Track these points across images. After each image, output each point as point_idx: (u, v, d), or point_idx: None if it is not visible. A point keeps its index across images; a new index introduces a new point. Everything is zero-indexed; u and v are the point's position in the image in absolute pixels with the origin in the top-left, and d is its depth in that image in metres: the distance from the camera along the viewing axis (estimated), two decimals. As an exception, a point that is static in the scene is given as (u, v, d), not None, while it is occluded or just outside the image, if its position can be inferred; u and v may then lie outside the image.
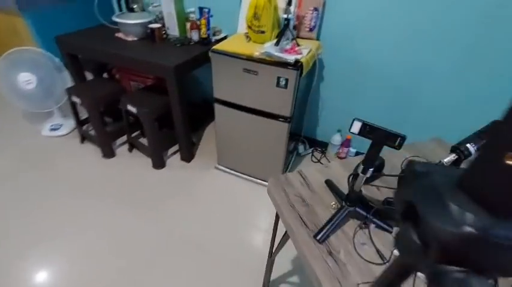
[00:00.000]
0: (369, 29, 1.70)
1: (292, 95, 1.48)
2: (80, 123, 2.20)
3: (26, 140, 2.31)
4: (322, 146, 2.34)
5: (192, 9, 1.94)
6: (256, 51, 1.47)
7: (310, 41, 1.69)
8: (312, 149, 2.35)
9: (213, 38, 2.01)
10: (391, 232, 0.76)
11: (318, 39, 1.77)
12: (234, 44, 1.60)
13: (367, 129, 0.65)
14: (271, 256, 1.23)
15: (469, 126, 0.90)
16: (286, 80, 1.43)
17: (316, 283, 0.67)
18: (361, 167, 0.70)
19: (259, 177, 2.00)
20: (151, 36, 1.93)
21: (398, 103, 1.91)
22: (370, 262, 0.70)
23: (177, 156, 2.21)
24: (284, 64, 1.40)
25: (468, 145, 0.80)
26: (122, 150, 2.25)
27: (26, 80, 2.04)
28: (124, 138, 2.28)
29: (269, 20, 1.53)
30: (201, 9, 1.91)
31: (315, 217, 0.80)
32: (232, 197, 1.93)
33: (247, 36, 1.68)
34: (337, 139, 2.18)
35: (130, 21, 1.90)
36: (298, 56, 1.41)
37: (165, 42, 1.97)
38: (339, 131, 2.17)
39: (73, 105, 2.07)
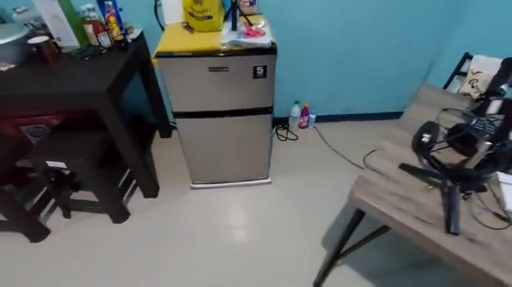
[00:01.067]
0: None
1: (272, 82, 1.30)
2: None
3: None
4: (282, 122, 2.28)
5: (88, 6, 1.40)
6: (217, 42, 1.19)
7: (254, 17, 1.49)
8: (275, 128, 2.26)
9: (128, 38, 1.55)
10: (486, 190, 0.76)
11: (260, 13, 1.58)
12: (178, 40, 1.26)
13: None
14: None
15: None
16: (265, 67, 1.23)
17: (478, 275, 0.62)
18: (484, 143, 0.64)
19: (244, 179, 1.81)
20: (40, 57, 1.33)
21: (344, 63, 1.98)
22: (501, 229, 0.69)
23: (138, 194, 1.76)
24: (257, 51, 1.19)
25: (503, 86, 0.85)
26: (54, 220, 1.64)
27: None
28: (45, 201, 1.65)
29: (214, 2, 1.24)
30: (100, 2, 1.41)
31: (425, 209, 0.73)
32: (225, 211, 1.70)
33: (188, 27, 1.35)
34: (296, 111, 2.15)
35: (-6, 42, 1.24)
36: (268, 37, 1.22)
37: (63, 59, 1.40)
38: (296, 102, 2.13)
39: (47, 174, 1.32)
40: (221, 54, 1.18)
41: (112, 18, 1.38)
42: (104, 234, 1.57)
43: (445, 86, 1.54)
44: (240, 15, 1.38)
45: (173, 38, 1.27)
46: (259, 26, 1.35)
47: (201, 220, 1.65)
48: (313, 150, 2.13)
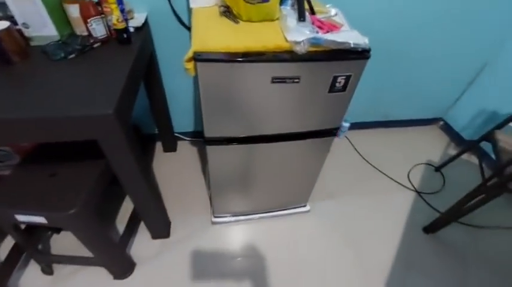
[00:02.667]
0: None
1: (350, 98, 0.94)
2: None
3: None
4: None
5: None
6: (281, 39, 0.80)
7: (315, 2, 1.08)
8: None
9: (130, 27, 1.09)
10: None
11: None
12: (222, 33, 0.83)
13: None
14: None
15: None
16: (347, 78, 0.86)
17: None
18: None
19: (278, 208, 1.45)
20: (-3, 54, 0.85)
21: (389, 66, 1.65)
22: None
23: (144, 234, 1.34)
24: (342, 54, 0.81)
25: None
26: (29, 279, 1.18)
27: None
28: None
29: (275, -24, 0.83)
30: (92, -28, 0.94)
31: None
32: (258, 251, 1.34)
33: (229, 13, 0.92)
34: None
35: None
36: (358, 34, 0.84)
37: (34, 57, 0.92)
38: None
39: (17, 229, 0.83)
40: (291, 58, 0.78)
41: (111, -3, 0.92)
42: (103, 297, 1.16)
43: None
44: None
45: (212, 31, 0.84)
46: (328, 15, 0.96)
47: (228, 265, 1.28)
48: (348, 165, 1.81)
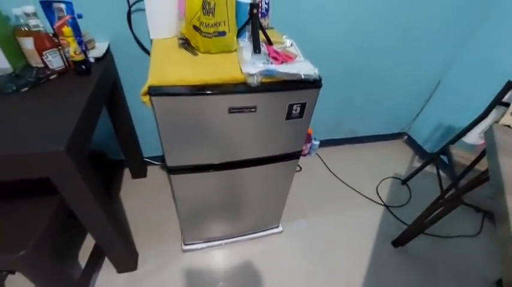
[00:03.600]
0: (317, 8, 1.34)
1: (308, 123, 0.97)
2: None
3: None
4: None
5: (26, 9, 0.89)
6: (237, 71, 0.83)
7: (271, 33, 1.14)
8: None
9: (90, 57, 1.08)
10: None
11: (271, 27, 1.23)
12: (179, 66, 0.85)
13: None
14: None
15: None
16: (303, 105, 0.90)
17: None
18: None
19: (250, 231, 1.44)
20: None
21: (352, 83, 1.74)
22: None
23: (109, 268, 1.27)
24: (296, 84, 0.84)
25: None
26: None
27: None
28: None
29: (230, 12, 0.87)
30: (47, 5, 0.93)
31: None
32: (232, 277, 1.31)
33: (188, 45, 0.94)
34: (300, 138, 1.84)
35: None
36: (309, 65, 0.88)
37: (-17, 91, 0.88)
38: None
39: None
40: (247, 90, 0.81)
41: (67, 29, 0.91)
42: None
43: (482, 116, 1.37)
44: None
45: (170, 64, 0.86)
46: (284, 46, 1.01)
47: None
48: (320, 183, 1.85)
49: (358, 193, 1.80)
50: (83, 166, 0.81)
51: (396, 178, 1.94)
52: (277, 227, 1.50)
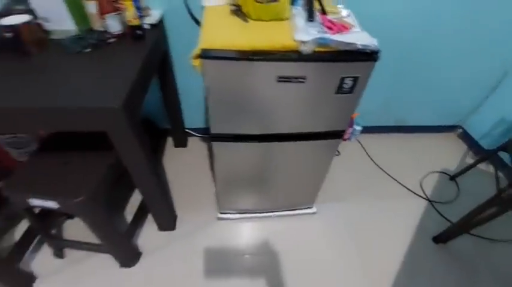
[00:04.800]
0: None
1: (358, 100, 0.92)
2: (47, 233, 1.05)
3: None
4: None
5: None
6: (289, 39, 0.80)
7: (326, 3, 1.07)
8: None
9: (144, 24, 1.12)
10: None
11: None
12: (230, 32, 0.84)
13: None
14: None
15: None
16: (355, 80, 0.85)
17: None
18: None
19: (284, 208, 1.45)
20: (17, 46, 0.90)
21: (407, 69, 1.61)
22: None
23: (151, 225, 1.38)
24: (350, 55, 0.79)
25: None
26: (41, 260, 1.24)
27: None
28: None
29: (285, -24, 0.83)
30: (110, -31, 0.97)
31: None
32: (263, 248, 1.34)
33: (239, 12, 0.93)
34: (341, 121, 1.77)
35: None
36: (366, 35, 0.82)
37: (52, 49, 0.97)
38: (343, 111, 1.75)
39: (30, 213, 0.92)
40: (297, 58, 0.78)
41: (127, -6, 0.95)
42: (110, 282, 1.20)
43: None
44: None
45: (221, 29, 0.85)
46: (340, 16, 0.95)
47: (230, 261, 1.29)
48: (359, 169, 1.78)
49: (400, 183, 1.70)
50: (136, 124, 0.86)
51: (444, 173, 1.79)
52: (311, 207, 1.49)
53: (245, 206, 1.40)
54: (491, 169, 1.80)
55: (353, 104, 0.93)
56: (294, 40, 0.79)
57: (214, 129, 0.95)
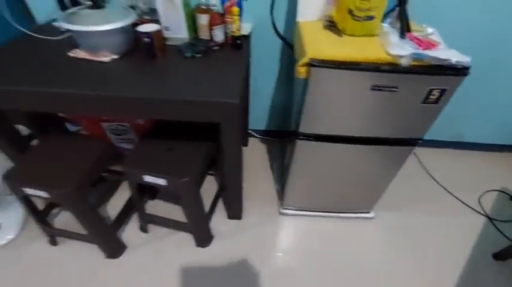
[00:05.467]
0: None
1: (440, 110, 1.00)
2: (41, 220, 1.27)
3: None
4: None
5: None
6: (382, 53, 0.91)
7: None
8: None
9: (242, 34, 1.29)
10: None
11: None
12: (330, 44, 0.97)
13: None
14: None
15: None
16: (442, 91, 0.94)
17: None
18: None
19: (343, 209, 1.53)
20: (147, 48, 1.10)
21: (472, 83, 1.63)
22: None
23: (220, 213, 1.53)
24: (440, 69, 0.89)
25: None
26: (129, 233, 1.43)
27: None
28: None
29: (383, -1, 0.95)
30: (223, -12, 1.15)
31: None
32: (322, 246, 1.43)
33: (333, 27, 1.06)
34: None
35: (104, 26, 1.01)
36: (457, 53, 0.91)
37: (170, 53, 1.16)
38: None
39: (27, 200, 1.14)
40: (392, 69, 0.89)
41: (236, 9, 1.12)
42: (188, 258, 1.35)
43: None
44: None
45: (322, 42, 0.99)
46: (425, 33, 1.04)
47: (292, 253, 1.40)
48: (414, 181, 1.81)
49: (457, 198, 1.71)
50: (240, 118, 1.01)
51: (503, 192, 1.77)
52: (369, 212, 1.55)
53: (307, 204, 1.50)
54: (557, 192, 1.75)
55: (435, 114, 1.01)
56: (389, 54, 0.90)
57: (303, 129, 1.08)
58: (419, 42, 0.97)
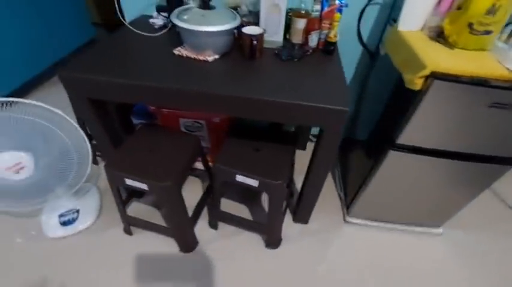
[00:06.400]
0: None
1: (551, 131, 0.97)
2: (124, 209, 1.32)
3: (24, 252, 1.31)
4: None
5: None
6: (502, 69, 0.89)
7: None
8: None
9: (330, 40, 1.29)
10: None
11: None
12: (444, 57, 0.96)
13: None
14: None
15: None
16: None
17: None
18: None
19: (411, 222, 1.50)
20: (248, 50, 1.12)
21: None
22: None
23: (287, 219, 1.53)
24: None
25: None
26: (200, 229, 1.46)
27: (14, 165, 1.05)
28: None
29: (507, 14, 0.93)
30: (325, -6, 1.16)
31: None
32: (386, 260, 1.41)
33: (439, 39, 1.05)
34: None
35: (215, 27, 1.04)
36: None
37: (266, 56, 1.18)
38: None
39: (118, 190, 1.18)
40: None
41: (337, 15, 1.13)
42: (256, 258, 1.36)
43: None
44: None
45: (436, 54, 0.97)
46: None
47: (355, 263, 1.38)
48: (484, 202, 1.73)
49: (528, 222, 1.65)
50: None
51: None
52: (438, 228, 1.52)
53: (376, 214, 1.48)
54: None
55: (545, 134, 0.97)
56: (511, 71, 0.88)
57: (402, 140, 1.07)
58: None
